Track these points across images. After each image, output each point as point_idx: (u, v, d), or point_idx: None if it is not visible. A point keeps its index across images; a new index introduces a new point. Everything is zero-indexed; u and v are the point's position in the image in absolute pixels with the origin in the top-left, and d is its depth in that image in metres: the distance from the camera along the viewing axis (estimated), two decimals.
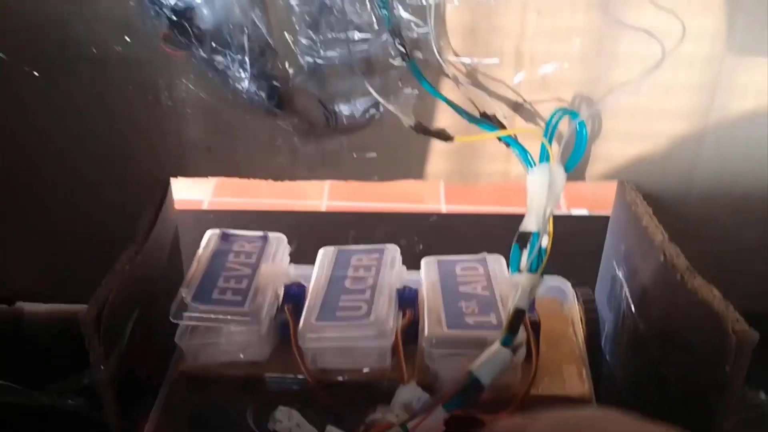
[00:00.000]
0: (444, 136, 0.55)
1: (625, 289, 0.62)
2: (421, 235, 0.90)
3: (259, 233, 0.65)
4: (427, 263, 0.63)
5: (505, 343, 0.49)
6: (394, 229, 0.92)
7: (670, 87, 0.59)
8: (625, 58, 0.58)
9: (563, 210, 1.42)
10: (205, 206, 1.51)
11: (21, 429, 0.62)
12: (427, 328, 0.55)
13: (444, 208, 1.58)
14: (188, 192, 1.62)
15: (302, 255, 0.67)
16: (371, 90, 0.54)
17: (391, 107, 0.55)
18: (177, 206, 0.69)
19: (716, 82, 0.58)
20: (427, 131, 0.55)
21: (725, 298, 0.49)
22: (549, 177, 0.52)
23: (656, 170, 0.64)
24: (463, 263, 0.62)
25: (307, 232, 0.80)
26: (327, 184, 1.66)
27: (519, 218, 0.55)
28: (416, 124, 0.54)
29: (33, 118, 0.63)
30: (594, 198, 1.29)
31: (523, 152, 0.54)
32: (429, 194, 1.64)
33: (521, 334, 0.51)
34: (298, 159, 0.65)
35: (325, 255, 0.64)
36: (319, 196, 1.64)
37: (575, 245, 0.84)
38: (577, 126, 0.55)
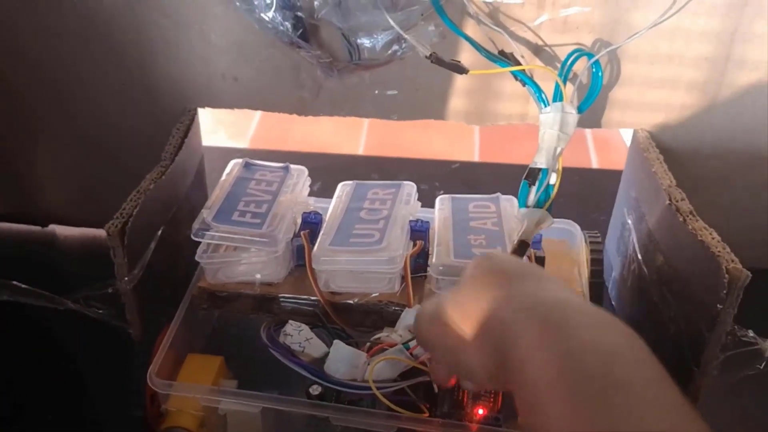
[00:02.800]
0: (459, 68, 0.56)
1: (633, 235, 0.64)
2: (442, 181, 0.92)
3: (281, 164, 0.68)
4: (442, 200, 0.65)
5: None
6: (416, 174, 0.94)
7: (690, 33, 0.60)
8: (647, 2, 0.58)
9: None
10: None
11: (50, 333, 0.66)
12: (435, 256, 0.57)
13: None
14: (226, 142, 1.66)
15: (325, 193, 0.69)
16: (390, 20, 0.55)
17: (408, 37, 0.56)
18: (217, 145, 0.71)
19: (735, 31, 0.59)
20: (442, 62, 0.56)
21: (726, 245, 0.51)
22: (561, 116, 0.53)
23: (671, 120, 0.65)
24: (476, 201, 0.64)
25: (331, 173, 0.82)
26: (363, 139, 1.68)
27: None
28: (432, 54, 0.55)
29: (66, 43, 0.65)
30: None
31: (538, 90, 0.55)
32: (463, 151, 1.65)
33: None
34: (322, 94, 0.66)
35: (343, 188, 0.66)
36: (354, 149, 1.66)
37: (592, 196, 0.86)
38: (593, 66, 0.56)
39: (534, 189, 0.54)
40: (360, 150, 1.65)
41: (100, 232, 0.54)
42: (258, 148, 1.62)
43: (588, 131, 1.20)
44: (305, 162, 0.70)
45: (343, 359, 0.51)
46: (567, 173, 0.93)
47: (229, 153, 0.98)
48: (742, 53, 0.60)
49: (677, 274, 0.55)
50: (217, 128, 1.69)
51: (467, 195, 0.65)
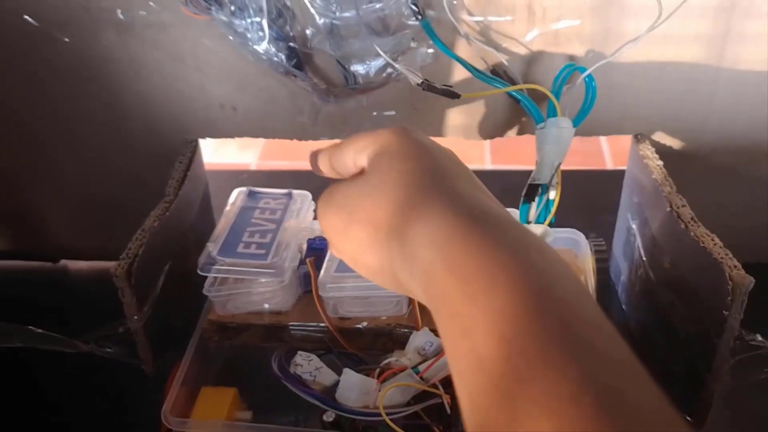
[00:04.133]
0: (451, 93, 0.57)
1: (638, 240, 0.64)
2: None
3: (284, 190, 0.68)
4: None
5: None
6: None
7: (682, 38, 0.60)
8: (636, 11, 0.58)
9: None
10: (252, 169, 1.55)
11: (64, 375, 0.67)
12: None
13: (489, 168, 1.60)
14: (236, 156, 1.67)
15: None
16: (379, 50, 0.56)
17: (398, 66, 0.57)
18: (224, 168, 0.71)
19: (726, 33, 0.59)
20: (433, 89, 0.56)
21: (732, 248, 0.51)
22: (556, 131, 0.54)
23: (668, 124, 0.65)
24: None
25: None
26: None
27: None
28: (423, 82, 0.56)
29: (65, 81, 0.66)
30: None
31: (532, 107, 0.55)
32: (475, 155, 1.65)
33: None
34: (320, 118, 0.67)
35: None
36: None
37: (600, 198, 0.86)
38: (586, 80, 0.56)
39: (534, 205, 0.54)
40: None
41: (110, 265, 0.55)
42: (266, 163, 1.63)
43: None
44: (310, 181, 0.70)
45: (353, 387, 0.52)
46: (576, 175, 0.93)
47: (235, 175, 0.99)
48: (735, 54, 0.60)
49: (683, 280, 0.55)
50: (227, 140, 1.70)
51: None
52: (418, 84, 0.56)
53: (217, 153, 1.51)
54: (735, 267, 0.49)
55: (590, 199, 0.87)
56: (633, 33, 0.58)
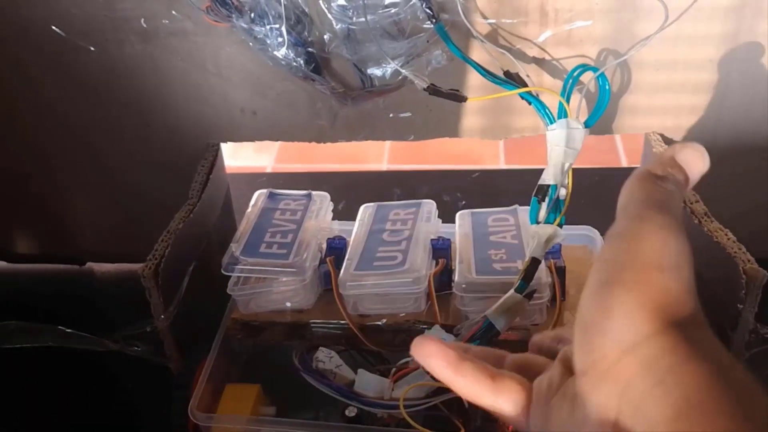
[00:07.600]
0: (458, 97, 0.58)
1: None
2: (464, 191, 0.93)
3: (304, 192, 0.70)
4: (462, 215, 0.67)
5: (519, 290, 0.52)
6: (438, 186, 0.95)
7: (694, 38, 0.60)
8: (648, 11, 0.59)
9: None
10: (269, 171, 1.57)
11: (93, 373, 0.69)
12: (457, 274, 0.59)
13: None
14: (253, 160, 1.68)
15: (350, 211, 0.71)
16: (387, 57, 0.57)
17: (405, 72, 0.58)
18: (241, 171, 0.72)
19: (737, 33, 0.60)
20: (439, 93, 0.58)
21: (745, 243, 0.52)
22: (566, 132, 0.54)
23: (681, 122, 0.66)
24: (494, 215, 0.66)
25: (355, 191, 0.84)
26: (387, 149, 1.70)
27: None
28: (429, 86, 0.57)
29: (90, 90, 0.68)
30: None
31: (543, 108, 0.56)
32: (490, 155, 1.66)
33: (545, 278, 0.54)
34: (338, 121, 0.68)
35: (365, 211, 0.68)
36: (379, 159, 1.68)
37: (614, 197, 0.86)
38: (599, 80, 0.57)
39: (544, 205, 0.55)
40: (385, 155, 1.67)
41: (135, 266, 0.57)
42: (282, 166, 1.65)
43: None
44: (327, 181, 0.71)
45: (368, 386, 0.53)
46: (593, 173, 0.94)
47: (253, 178, 1.00)
48: (746, 53, 0.61)
49: (697, 275, 0.56)
50: (244, 144, 1.73)
51: (486, 209, 0.67)
52: (424, 89, 0.57)
53: (233, 157, 1.54)
54: (749, 261, 0.50)
55: (606, 197, 0.87)
56: (645, 34, 0.59)
